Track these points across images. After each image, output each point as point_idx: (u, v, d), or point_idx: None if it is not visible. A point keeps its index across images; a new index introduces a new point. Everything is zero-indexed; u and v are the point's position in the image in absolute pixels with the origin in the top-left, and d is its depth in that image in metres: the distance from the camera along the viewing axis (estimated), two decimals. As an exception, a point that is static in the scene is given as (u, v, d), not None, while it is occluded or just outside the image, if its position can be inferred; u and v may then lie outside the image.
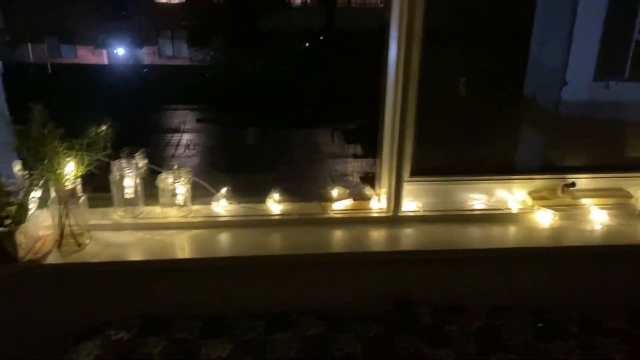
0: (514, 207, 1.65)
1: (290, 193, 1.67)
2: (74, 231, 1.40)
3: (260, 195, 1.63)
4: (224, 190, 1.62)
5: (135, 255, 1.41)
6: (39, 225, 1.41)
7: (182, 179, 1.53)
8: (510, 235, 1.57)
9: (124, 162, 1.50)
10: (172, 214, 1.55)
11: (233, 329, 1.38)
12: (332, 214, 1.60)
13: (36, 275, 1.39)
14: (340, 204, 1.62)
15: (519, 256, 1.55)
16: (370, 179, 1.69)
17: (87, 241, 1.43)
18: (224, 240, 1.51)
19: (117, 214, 1.54)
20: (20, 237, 1.33)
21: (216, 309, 1.44)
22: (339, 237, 1.53)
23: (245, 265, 1.48)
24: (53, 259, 1.36)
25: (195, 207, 1.59)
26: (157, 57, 10.26)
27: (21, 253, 1.34)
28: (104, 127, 1.38)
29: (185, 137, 8.92)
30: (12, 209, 1.34)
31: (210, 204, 1.61)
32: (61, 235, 1.39)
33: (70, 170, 1.36)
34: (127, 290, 1.46)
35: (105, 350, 1.28)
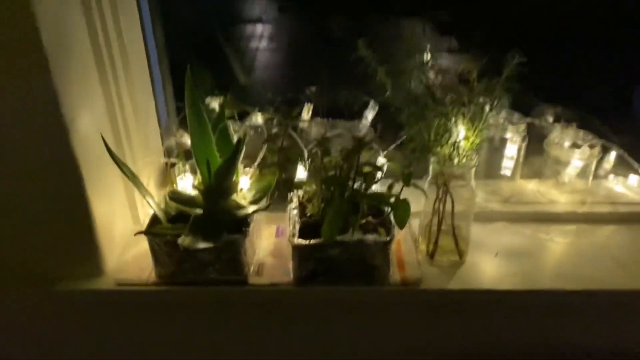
0: None
1: None
2: (450, 230, 0.88)
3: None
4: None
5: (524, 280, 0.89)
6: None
7: (589, 146, 0.96)
8: None
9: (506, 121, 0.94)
10: (555, 196, 1.01)
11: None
12: None
13: (406, 303, 0.90)
14: None
15: None
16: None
17: (467, 248, 0.91)
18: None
19: (481, 194, 1.01)
20: (392, 249, 0.82)
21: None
22: None
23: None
24: (431, 281, 0.85)
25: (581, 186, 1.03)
26: None
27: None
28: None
29: (267, 29, 8.15)
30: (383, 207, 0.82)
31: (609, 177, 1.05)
32: (436, 238, 0.88)
33: (460, 143, 0.81)
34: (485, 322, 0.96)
35: None
